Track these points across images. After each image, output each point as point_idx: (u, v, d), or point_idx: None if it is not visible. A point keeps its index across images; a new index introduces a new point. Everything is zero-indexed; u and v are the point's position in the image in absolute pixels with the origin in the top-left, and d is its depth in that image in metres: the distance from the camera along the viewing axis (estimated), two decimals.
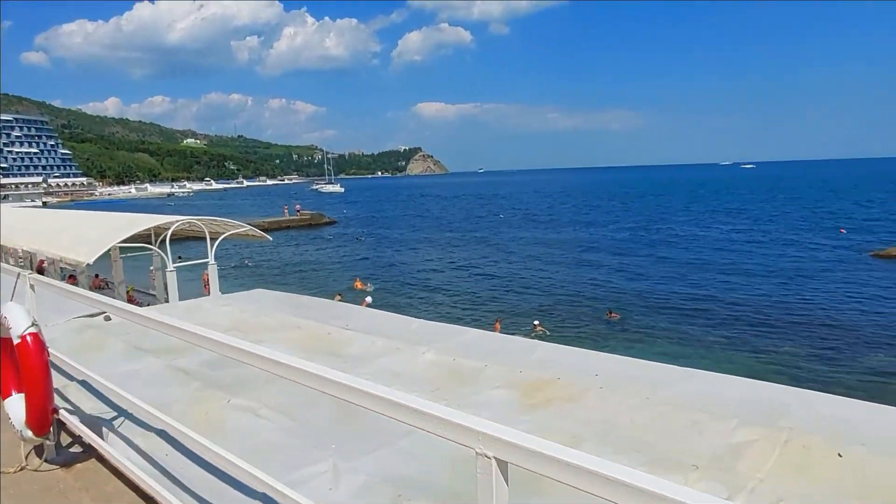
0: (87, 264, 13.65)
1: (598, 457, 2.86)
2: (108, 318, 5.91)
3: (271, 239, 17.68)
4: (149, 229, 15.71)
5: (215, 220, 16.78)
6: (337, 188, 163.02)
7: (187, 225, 16.12)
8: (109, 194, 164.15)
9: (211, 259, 15.82)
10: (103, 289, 28.35)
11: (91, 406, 3.81)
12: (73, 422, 3.50)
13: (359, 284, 29.44)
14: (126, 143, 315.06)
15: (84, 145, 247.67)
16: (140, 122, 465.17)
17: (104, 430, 3.43)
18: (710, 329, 20.56)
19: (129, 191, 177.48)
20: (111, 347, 5.07)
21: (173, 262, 15.27)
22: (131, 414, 3.49)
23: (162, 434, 3.28)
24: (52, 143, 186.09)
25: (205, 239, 16.26)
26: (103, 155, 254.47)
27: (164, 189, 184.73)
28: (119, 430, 3.43)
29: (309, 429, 3.33)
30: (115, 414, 3.60)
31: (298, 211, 67.79)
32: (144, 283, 27.38)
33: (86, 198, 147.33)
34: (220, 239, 16.11)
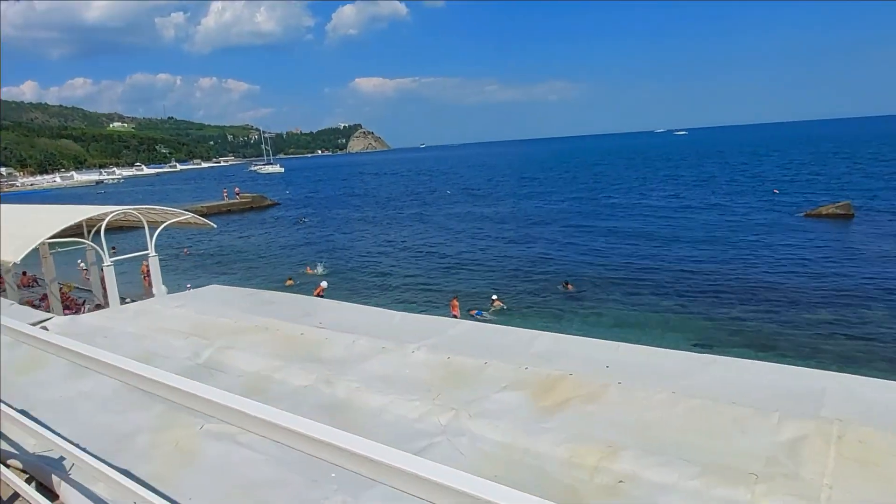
0: (14, 263, 12.48)
1: (644, 469, 2.44)
2: (45, 328, 5.22)
3: (215, 226, 16.74)
4: (81, 222, 14.49)
5: (153, 209, 15.72)
6: (277, 168, 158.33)
7: (122, 215, 15.02)
8: (32, 185, 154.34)
9: (151, 251, 14.83)
10: (32, 286, 26.55)
11: (34, 444, 3.22)
12: (11, 469, 2.93)
13: (309, 270, 28.57)
14: (47, 130, 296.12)
15: (0, 133, 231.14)
16: (61, 106, 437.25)
17: (54, 477, 2.88)
18: (662, 296, 20.94)
19: (54, 180, 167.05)
20: (53, 364, 4.42)
21: (110, 256, 14.19)
22: (87, 450, 2.95)
23: (127, 476, 2.77)
24: None
25: (142, 229, 15.23)
26: (22, 143, 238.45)
27: (92, 177, 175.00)
28: (71, 475, 2.88)
29: (302, 458, 2.88)
30: (66, 454, 3.03)
31: (238, 194, 65.39)
32: (76, 278, 25.82)
33: (5, 190, 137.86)
34: (159, 229, 15.11)
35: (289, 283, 25.68)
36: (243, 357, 4.22)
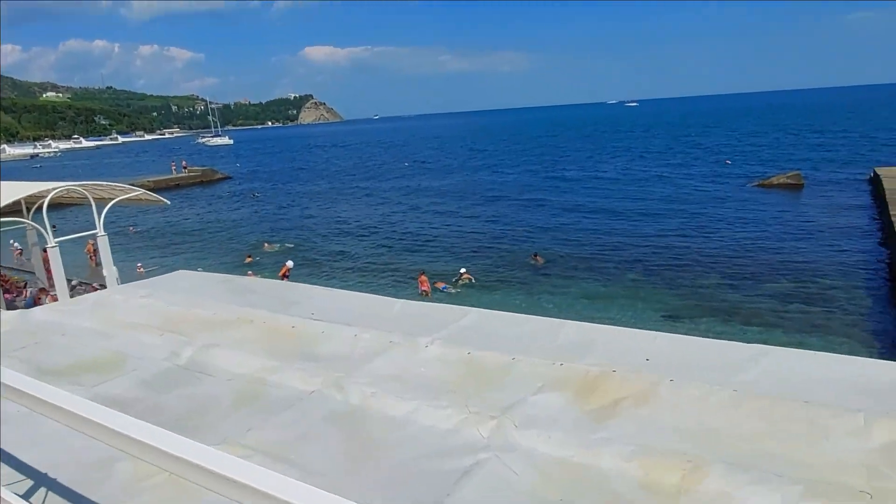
0: None
1: (738, 488, 2.03)
2: None
3: (168, 202, 15.75)
4: (19, 199, 13.35)
5: (100, 185, 14.65)
6: (225, 141, 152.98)
7: (65, 192, 13.91)
8: None
9: (100, 230, 13.84)
10: None
11: None
12: None
13: (267, 247, 27.60)
14: None
15: None
16: None
17: None
18: (627, 268, 21.05)
19: None
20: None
21: (54, 237, 13.15)
22: (56, 491, 2.44)
23: None
24: None
25: (85, 206, 14.18)
26: None
27: (26, 150, 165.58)
28: None
29: (312, 475, 2.45)
30: (31, 489, 2.50)
31: (185, 168, 62.76)
32: (7, 261, 24.05)
33: None
34: (108, 206, 14.09)
35: (248, 260, 24.72)
36: (231, 356, 3.71)
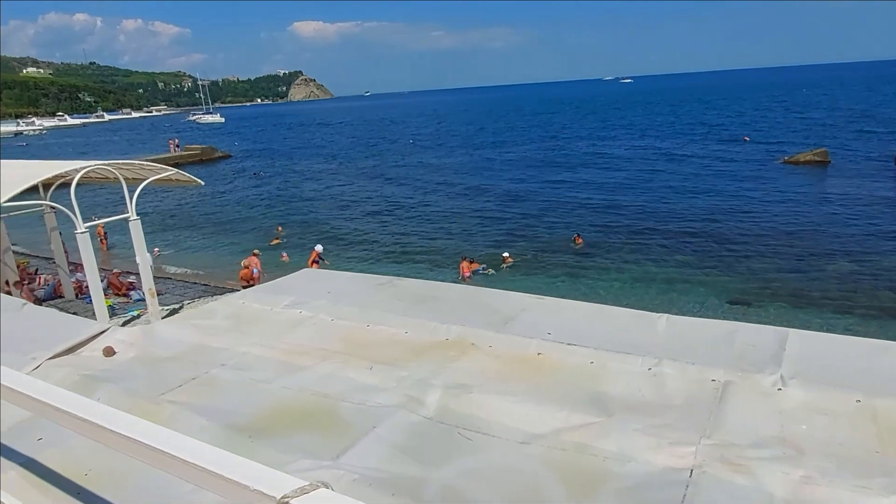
0: None
1: None
2: (110, 353, 3.48)
3: (202, 182, 14.52)
4: (50, 179, 12.08)
5: (129, 164, 13.40)
6: (217, 118, 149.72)
7: (92, 171, 12.66)
8: None
9: (132, 213, 12.63)
10: None
11: None
12: None
13: (281, 229, 26.24)
14: None
15: None
16: None
17: None
18: (672, 249, 20.15)
19: None
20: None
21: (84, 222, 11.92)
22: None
23: None
24: None
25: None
26: None
27: (10, 128, 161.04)
28: None
29: None
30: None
31: (177, 146, 60.81)
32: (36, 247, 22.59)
33: None
34: (140, 186, 12.87)
35: (275, 241, 23.59)
36: (493, 403, 2.66)
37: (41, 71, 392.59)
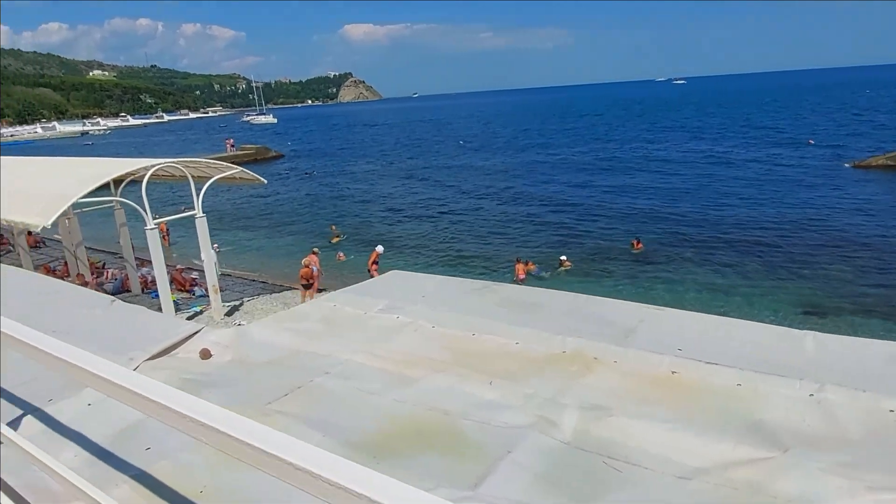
0: (45, 227, 10.47)
1: None
2: (206, 356, 3.35)
3: (265, 181, 14.67)
4: (122, 175, 12.38)
5: (196, 162, 13.64)
6: (270, 119, 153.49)
7: (160, 169, 12.91)
8: (12, 135, 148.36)
9: (199, 210, 12.84)
10: (39, 247, 24.43)
11: None
12: None
13: (333, 229, 26.39)
14: (23, 78, 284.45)
15: None
16: (36, 53, 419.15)
17: None
18: (738, 256, 19.30)
19: (35, 131, 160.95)
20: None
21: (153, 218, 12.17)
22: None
23: None
24: None
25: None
26: None
27: (76, 128, 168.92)
28: None
29: None
30: None
31: (231, 146, 62.28)
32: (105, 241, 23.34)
33: None
34: (207, 184, 13.07)
35: (335, 240, 23.95)
36: (642, 429, 2.38)
37: (106, 73, 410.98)
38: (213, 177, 13.21)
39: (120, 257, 22.57)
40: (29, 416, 2.55)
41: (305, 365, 3.13)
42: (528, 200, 30.74)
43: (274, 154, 59.92)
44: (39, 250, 23.36)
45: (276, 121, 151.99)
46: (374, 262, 16.84)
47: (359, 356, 3.17)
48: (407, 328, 3.50)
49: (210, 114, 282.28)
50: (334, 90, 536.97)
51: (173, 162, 12.61)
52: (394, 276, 4.67)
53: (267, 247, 24.52)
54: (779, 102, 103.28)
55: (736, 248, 20.13)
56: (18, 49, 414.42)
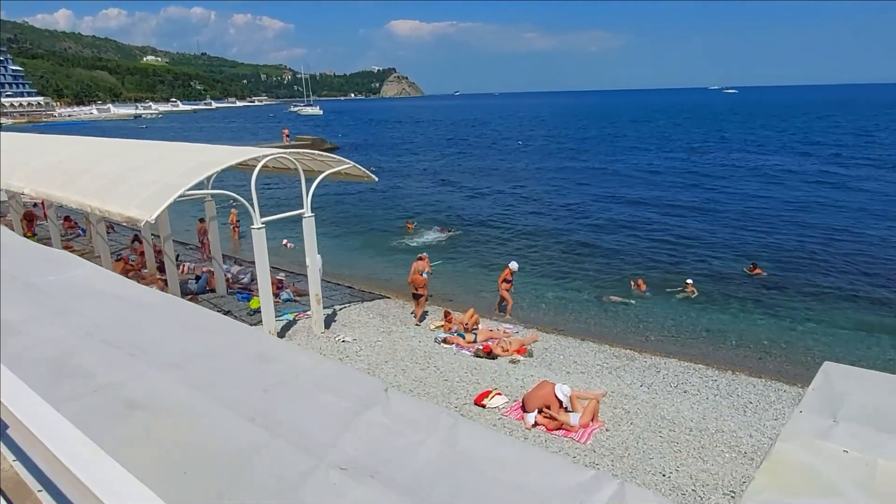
0: (148, 222, 8.98)
1: None
2: None
3: (377, 179, 13.05)
4: (243, 163, 10.85)
5: (307, 153, 12.06)
6: (317, 111, 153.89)
7: (271, 160, 11.37)
8: (70, 116, 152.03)
9: (307, 209, 11.26)
10: (109, 232, 23.42)
11: None
12: None
13: (409, 226, 24.96)
14: (81, 60, 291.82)
15: (35, 62, 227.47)
16: (94, 37, 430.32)
17: None
18: (877, 288, 16.95)
19: (91, 112, 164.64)
20: None
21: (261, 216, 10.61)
22: None
23: None
24: (1, 57, 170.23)
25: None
26: (58, 73, 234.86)
27: (129, 111, 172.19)
28: None
29: None
30: None
31: (287, 136, 61.48)
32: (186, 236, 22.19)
33: (44, 120, 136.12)
34: (317, 180, 11.49)
35: (409, 227, 23.96)
36: None
37: (159, 59, 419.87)
38: (324, 172, 11.64)
39: (191, 248, 21.38)
40: None
41: None
42: (618, 211, 28.55)
43: (329, 146, 58.76)
44: (109, 235, 22.33)
45: (321, 112, 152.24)
46: (505, 281, 15.05)
47: None
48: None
49: (256, 103, 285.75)
50: (377, 84, 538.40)
51: (285, 153, 11.05)
52: (828, 369, 2.85)
53: (339, 247, 23.01)
54: (843, 116, 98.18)
55: (858, 272, 17.92)
56: (79, 33, 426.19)
